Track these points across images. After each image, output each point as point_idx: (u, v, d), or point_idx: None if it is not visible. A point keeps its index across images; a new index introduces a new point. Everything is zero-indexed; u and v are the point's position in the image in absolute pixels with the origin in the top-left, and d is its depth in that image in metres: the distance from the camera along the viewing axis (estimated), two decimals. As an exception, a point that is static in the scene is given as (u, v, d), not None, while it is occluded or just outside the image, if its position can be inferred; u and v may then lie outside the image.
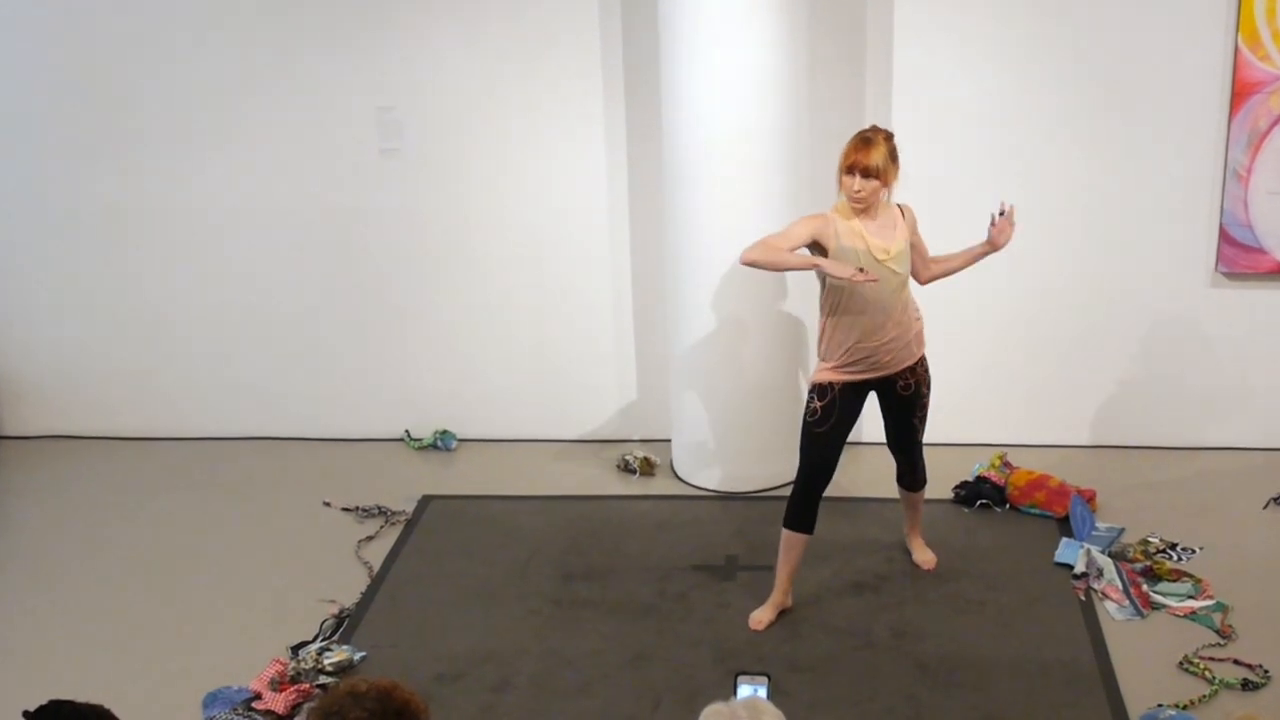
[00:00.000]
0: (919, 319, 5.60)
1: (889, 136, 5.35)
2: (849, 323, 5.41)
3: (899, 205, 5.51)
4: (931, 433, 7.21)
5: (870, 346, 5.42)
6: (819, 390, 5.49)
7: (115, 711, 3.86)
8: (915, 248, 5.58)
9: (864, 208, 5.34)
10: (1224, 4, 6.54)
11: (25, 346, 7.74)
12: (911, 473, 5.95)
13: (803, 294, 6.75)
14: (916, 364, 5.57)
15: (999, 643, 5.46)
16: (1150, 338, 7.05)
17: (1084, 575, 5.87)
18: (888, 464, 7.07)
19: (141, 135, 7.29)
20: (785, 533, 5.57)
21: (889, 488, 6.78)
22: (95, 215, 7.47)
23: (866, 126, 5.49)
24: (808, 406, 5.52)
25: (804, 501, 5.53)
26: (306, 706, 5.09)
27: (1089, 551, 5.95)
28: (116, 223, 7.47)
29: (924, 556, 6.07)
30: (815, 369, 5.60)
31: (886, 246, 5.37)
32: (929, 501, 6.60)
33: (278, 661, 5.38)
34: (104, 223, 7.48)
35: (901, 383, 5.56)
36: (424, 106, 7.10)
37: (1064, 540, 6.15)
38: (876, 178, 5.26)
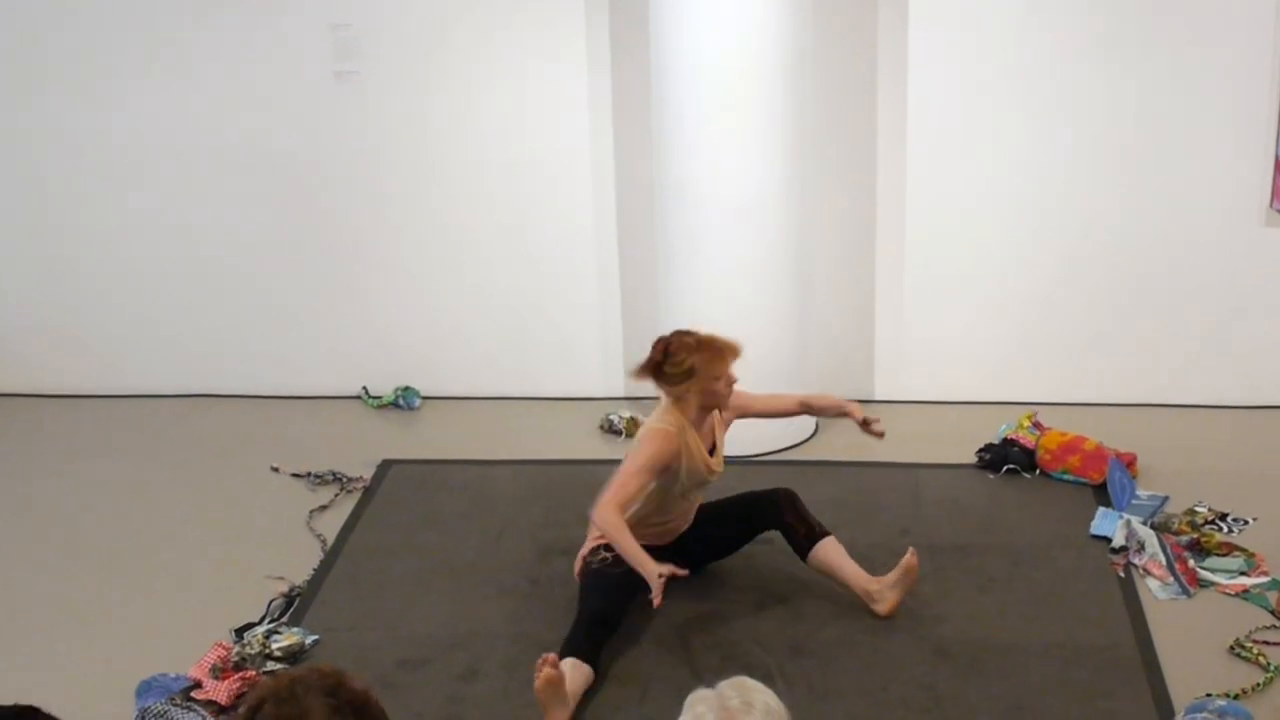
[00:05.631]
0: None
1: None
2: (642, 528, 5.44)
3: None
4: (956, 390, 7.23)
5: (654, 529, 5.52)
6: (607, 545, 5.35)
7: (41, 703, 3.81)
8: (761, 411, 5.74)
9: (722, 405, 5.43)
10: (1282, -92, 6.49)
11: (-66, 294, 7.70)
12: (796, 523, 5.61)
13: (807, 239, 6.70)
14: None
15: (1028, 625, 5.43)
16: (1197, 284, 7.03)
17: (1123, 549, 5.84)
18: (903, 424, 7.05)
19: (57, 58, 7.20)
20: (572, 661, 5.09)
21: (904, 450, 6.78)
22: (6, 150, 7.40)
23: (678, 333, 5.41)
24: (597, 554, 5.37)
25: (588, 644, 5.16)
26: (247, 697, 5.05)
27: (1129, 522, 5.92)
28: (31, 158, 7.40)
29: (885, 602, 5.49)
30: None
31: (714, 459, 5.48)
32: (950, 466, 6.59)
33: (220, 646, 5.35)
34: (16, 158, 7.42)
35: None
36: (384, 23, 7.02)
37: (1101, 510, 6.13)
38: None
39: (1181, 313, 7.07)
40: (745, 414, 5.62)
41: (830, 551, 5.52)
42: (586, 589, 5.34)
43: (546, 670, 4.79)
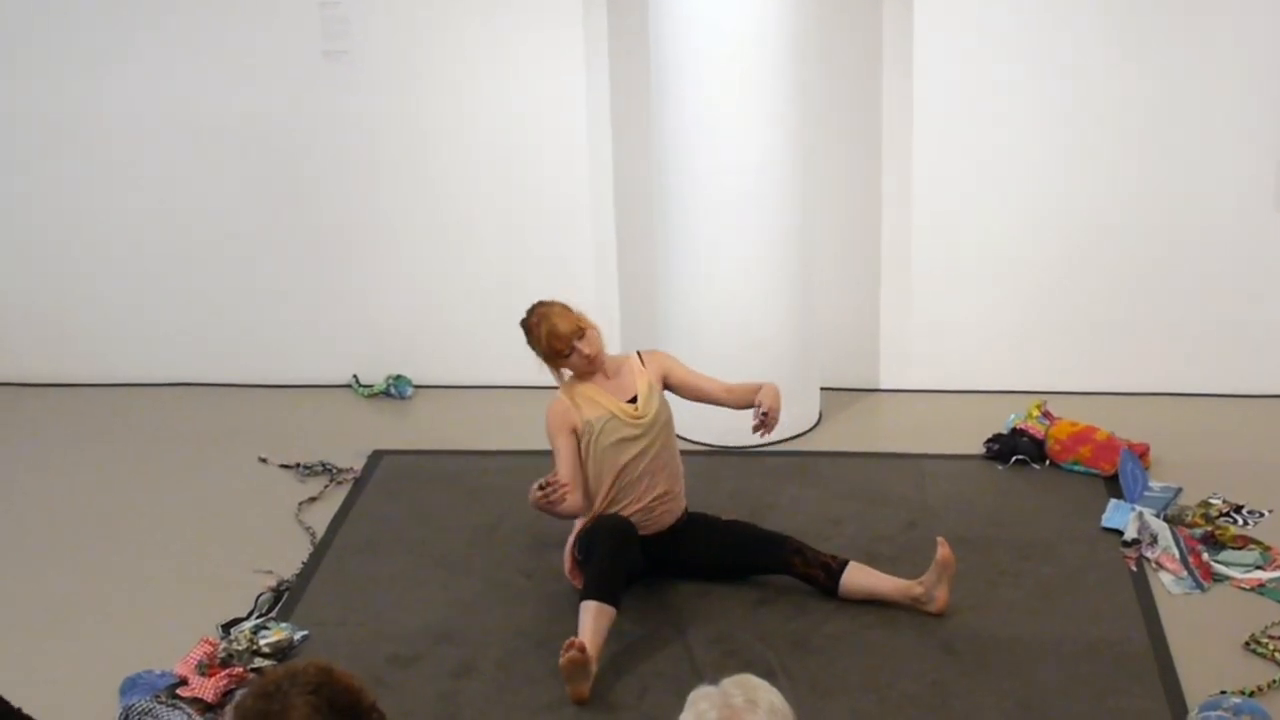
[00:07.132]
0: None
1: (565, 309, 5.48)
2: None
3: (639, 353, 5.69)
4: (962, 378, 7.21)
5: (636, 509, 5.52)
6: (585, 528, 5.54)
7: (19, 702, 3.80)
8: (681, 384, 5.69)
9: (596, 367, 5.49)
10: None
11: (-87, 279, 7.68)
12: (813, 572, 5.53)
13: (811, 228, 6.68)
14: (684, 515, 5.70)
15: (1037, 619, 5.42)
16: (1210, 271, 7.01)
17: (1136, 542, 5.83)
18: (909, 414, 7.03)
19: (39, 39, 7.18)
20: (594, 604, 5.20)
21: (909, 440, 6.77)
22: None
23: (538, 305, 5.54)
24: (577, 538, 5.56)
25: (606, 585, 5.24)
26: (239, 693, 5.04)
27: (1141, 515, 5.91)
28: (14, 138, 7.38)
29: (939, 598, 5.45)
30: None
31: (636, 407, 5.48)
32: (957, 457, 6.57)
33: (206, 641, 5.34)
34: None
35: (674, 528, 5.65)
36: (374, 1, 6.98)
37: (1113, 502, 6.12)
38: (586, 331, 5.43)
39: (1195, 300, 7.06)
40: (669, 382, 5.66)
41: (859, 578, 5.50)
42: (589, 546, 5.41)
43: (572, 654, 4.89)
